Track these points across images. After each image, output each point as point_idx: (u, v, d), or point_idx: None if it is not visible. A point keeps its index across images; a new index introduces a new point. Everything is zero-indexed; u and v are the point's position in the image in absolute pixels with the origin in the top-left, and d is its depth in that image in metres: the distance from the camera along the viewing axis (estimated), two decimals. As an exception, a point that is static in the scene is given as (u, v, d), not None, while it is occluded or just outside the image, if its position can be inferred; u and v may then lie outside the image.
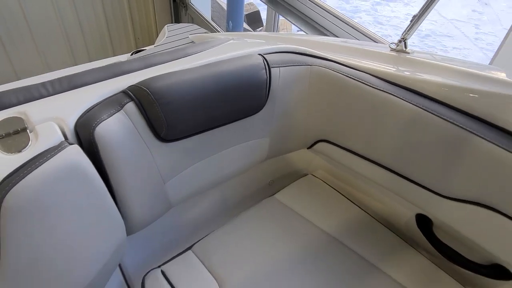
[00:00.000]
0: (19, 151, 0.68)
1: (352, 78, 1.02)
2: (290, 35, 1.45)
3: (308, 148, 1.23)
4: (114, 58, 1.61)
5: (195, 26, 1.92)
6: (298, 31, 2.09)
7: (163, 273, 0.99)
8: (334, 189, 1.28)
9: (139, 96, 0.83)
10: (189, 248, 1.06)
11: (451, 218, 0.95)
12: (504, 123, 0.84)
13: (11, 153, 0.68)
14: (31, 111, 0.76)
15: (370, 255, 1.06)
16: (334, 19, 1.78)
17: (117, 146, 0.79)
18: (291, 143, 1.19)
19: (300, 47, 1.10)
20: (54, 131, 0.73)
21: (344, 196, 1.25)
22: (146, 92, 0.82)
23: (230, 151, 1.04)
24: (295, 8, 1.99)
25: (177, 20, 3.30)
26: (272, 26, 2.27)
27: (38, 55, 2.92)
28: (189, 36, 1.73)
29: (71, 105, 0.80)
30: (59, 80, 0.86)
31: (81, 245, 0.72)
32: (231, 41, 1.13)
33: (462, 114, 0.89)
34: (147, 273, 0.99)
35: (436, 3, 0.96)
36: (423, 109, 0.92)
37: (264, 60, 0.99)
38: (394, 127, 0.98)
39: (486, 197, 0.87)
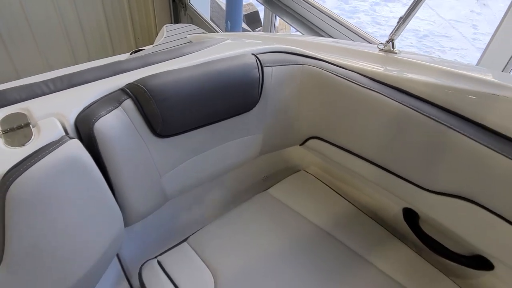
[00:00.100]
0: (23, 145, 0.72)
1: (342, 77, 1.06)
2: (286, 35, 1.49)
3: (300, 144, 1.27)
4: (114, 57, 1.65)
5: (193, 26, 1.96)
6: (295, 31, 2.12)
7: (159, 263, 1.02)
8: (326, 184, 1.31)
9: (136, 94, 0.87)
10: (185, 240, 1.10)
11: (435, 211, 0.99)
12: (483, 120, 0.88)
13: (15, 146, 0.72)
14: (33, 107, 0.80)
15: (359, 247, 1.09)
16: (329, 20, 1.81)
17: (115, 141, 0.83)
18: (284, 140, 1.22)
19: (292, 47, 1.14)
20: (56, 126, 0.77)
21: (335, 191, 1.28)
22: (143, 90, 0.86)
23: (224, 147, 1.08)
24: (291, 9, 2.02)
25: (177, 20, 3.33)
26: (269, 27, 2.29)
27: (39, 54, 2.95)
28: (187, 36, 1.76)
29: (72, 102, 0.84)
30: (60, 78, 0.90)
31: (81, 234, 0.75)
32: (227, 41, 1.16)
33: (444, 112, 0.93)
34: (144, 263, 1.02)
35: (422, 4, 0.99)
36: (408, 107, 0.95)
37: (257, 60, 1.03)
38: (381, 125, 1.02)
39: (466, 190, 0.91)
